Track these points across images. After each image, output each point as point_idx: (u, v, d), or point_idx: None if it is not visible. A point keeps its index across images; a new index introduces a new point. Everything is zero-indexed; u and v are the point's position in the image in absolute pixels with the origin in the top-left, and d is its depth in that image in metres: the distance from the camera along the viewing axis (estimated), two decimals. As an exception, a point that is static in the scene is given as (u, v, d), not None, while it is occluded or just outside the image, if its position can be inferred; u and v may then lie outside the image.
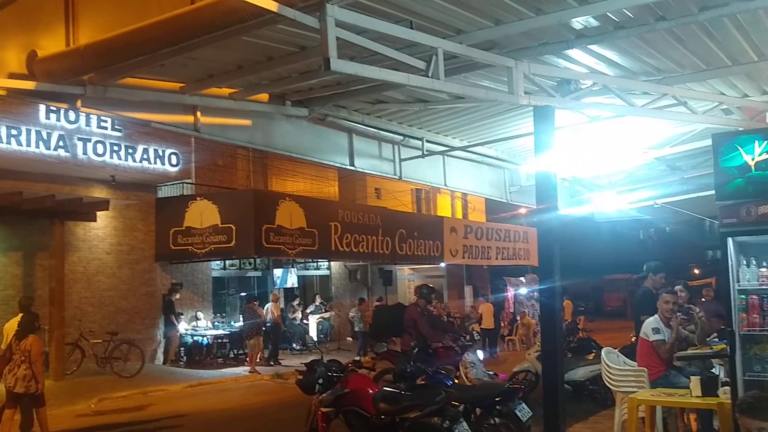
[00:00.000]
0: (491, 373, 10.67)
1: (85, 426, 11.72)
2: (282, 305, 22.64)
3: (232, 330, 20.24)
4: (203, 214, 18.02)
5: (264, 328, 19.29)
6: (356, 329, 22.42)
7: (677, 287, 9.04)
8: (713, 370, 8.58)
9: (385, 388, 8.20)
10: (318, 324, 23.38)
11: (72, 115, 16.24)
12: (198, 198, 18.65)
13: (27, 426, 9.54)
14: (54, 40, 6.91)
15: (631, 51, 7.95)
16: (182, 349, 19.20)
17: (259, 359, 19.03)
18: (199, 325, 19.87)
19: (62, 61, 6.84)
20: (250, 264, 23.02)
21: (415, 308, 11.44)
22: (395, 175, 11.75)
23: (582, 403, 11.34)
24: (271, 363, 19.06)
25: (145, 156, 17.83)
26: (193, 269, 20.56)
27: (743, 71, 8.67)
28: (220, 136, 9.34)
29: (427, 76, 6.77)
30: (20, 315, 10.18)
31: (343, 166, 11.11)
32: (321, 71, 6.59)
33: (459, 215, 30.68)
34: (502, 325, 24.82)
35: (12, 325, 10.29)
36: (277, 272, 23.54)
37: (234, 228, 17.68)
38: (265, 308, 20.20)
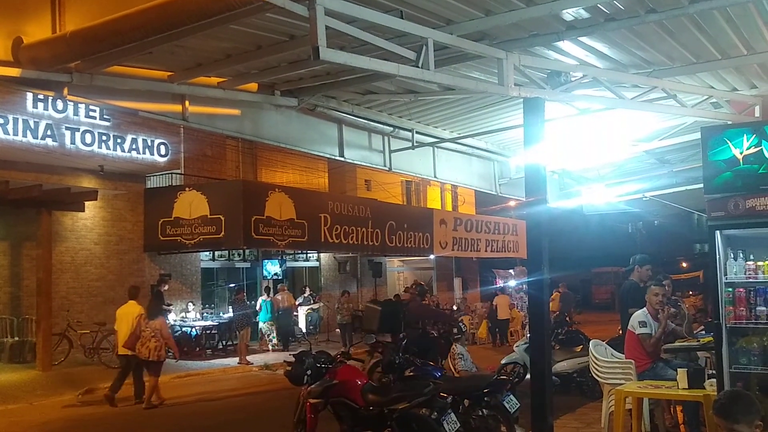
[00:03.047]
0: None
1: (72, 416, 11.67)
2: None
3: (220, 321, 20.20)
4: (192, 205, 17.97)
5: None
6: (338, 321, 21.93)
7: (666, 282, 9.08)
8: (699, 362, 8.65)
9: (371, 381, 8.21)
10: (307, 315, 23.37)
11: (60, 104, 16.13)
12: (187, 188, 18.60)
13: (140, 390, 12.43)
14: (40, 27, 6.83)
15: (621, 43, 7.95)
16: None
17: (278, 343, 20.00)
18: (187, 316, 19.81)
19: (48, 48, 6.75)
20: (239, 255, 22.97)
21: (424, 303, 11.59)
22: (385, 166, 11.72)
23: (570, 395, 11.40)
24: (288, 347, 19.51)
25: (133, 146, 17.73)
26: (181, 260, 20.49)
27: (732, 65, 8.68)
28: (209, 125, 9.29)
29: (417, 67, 6.73)
30: (130, 302, 12.92)
31: (333, 157, 11.08)
32: (310, 61, 6.55)
33: (449, 207, 30.72)
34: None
35: (125, 310, 12.78)
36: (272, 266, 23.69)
37: (223, 219, 17.65)
38: (278, 297, 20.86)
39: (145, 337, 12.02)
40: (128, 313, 12.60)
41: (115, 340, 13.27)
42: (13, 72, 6.76)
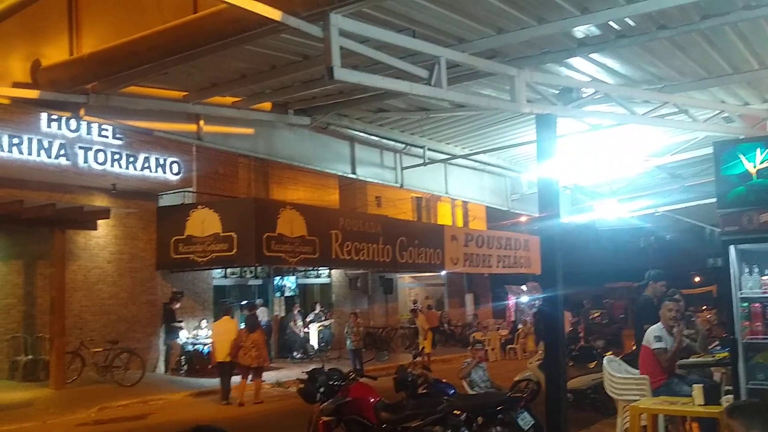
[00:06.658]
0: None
1: (85, 435, 11.70)
2: (283, 313, 22.87)
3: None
4: (204, 223, 18.05)
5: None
6: (348, 347, 19.88)
7: (676, 296, 9.05)
8: (714, 378, 8.60)
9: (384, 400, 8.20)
10: (319, 332, 23.35)
11: (73, 124, 16.30)
12: (199, 206, 18.68)
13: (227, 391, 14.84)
14: (58, 49, 6.93)
15: (632, 59, 7.97)
16: (183, 357, 19.13)
17: None
18: (200, 334, 19.80)
19: (66, 70, 6.85)
20: (251, 272, 23.01)
21: None
22: (397, 183, 11.75)
23: (584, 411, 11.33)
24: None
25: (146, 164, 17.85)
26: (194, 278, 20.54)
27: (744, 79, 8.67)
28: (223, 144, 9.35)
29: (430, 85, 6.77)
30: (225, 317, 15.76)
31: (345, 175, 11.12)
32: (324, 80, 6.60)
33: (459, 223, 30.69)
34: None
35: (222, 325, 15.47)
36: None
37: (235, 236, 17.72)
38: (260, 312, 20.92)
39: (246, 347, 14.35)
40: (225, 327, 15.12)
41: (212, 350, 15.66)
42: (32, 94, 6.84)
